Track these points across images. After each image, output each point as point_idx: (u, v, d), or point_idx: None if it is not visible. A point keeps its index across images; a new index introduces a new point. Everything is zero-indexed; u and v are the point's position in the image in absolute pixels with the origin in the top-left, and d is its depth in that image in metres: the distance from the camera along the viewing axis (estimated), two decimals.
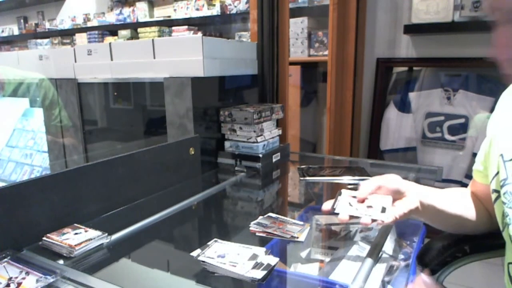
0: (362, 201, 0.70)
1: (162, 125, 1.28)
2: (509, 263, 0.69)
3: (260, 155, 1.29)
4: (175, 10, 3.25)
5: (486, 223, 0.81)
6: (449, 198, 0.81)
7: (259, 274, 0.61)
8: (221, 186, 1.19)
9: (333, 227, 0.87)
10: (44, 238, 0.74)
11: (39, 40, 4.29)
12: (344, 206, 0.68)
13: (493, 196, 0.71)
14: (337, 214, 0.66)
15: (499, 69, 0.63)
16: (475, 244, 0.84)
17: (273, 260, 0.64)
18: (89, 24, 3.85)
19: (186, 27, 3.17)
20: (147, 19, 3.41)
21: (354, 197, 0.71)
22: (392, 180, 0.74)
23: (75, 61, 1.53)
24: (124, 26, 3.56)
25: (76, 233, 0.76)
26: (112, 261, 0.75)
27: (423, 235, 0.91)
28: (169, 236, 0.92)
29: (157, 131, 1.39)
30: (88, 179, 0.87)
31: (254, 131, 1.29)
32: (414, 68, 2.16)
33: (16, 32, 4.62)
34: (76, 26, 3.94)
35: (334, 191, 1.17)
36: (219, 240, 0.72)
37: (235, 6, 2.98)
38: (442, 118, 1.97)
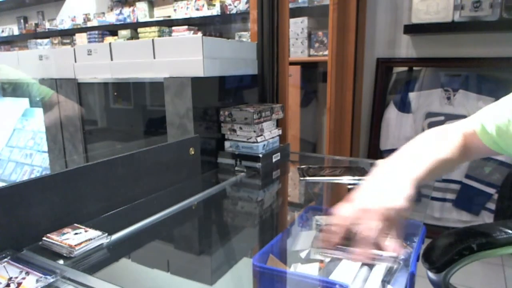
0: None
1: (162, 125, 1.28)
2: None
3: (260, 155, 1.29)
4: (175, 10, 3.25)
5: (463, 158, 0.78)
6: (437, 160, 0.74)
7: None
8: (221, 186, 1.19)
9: (333, 227, 0.87)
10: (44, 238, 0.74)
11: (39, 40, 4.29)
12: None
13: None
14: None
15: None
16: (482, 242, 0.82)
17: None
18: (89, 24, 3.85)
19: (186, 27, 3.17)
20: (147, 19, 3.41)
21: None
22: None
23: (75, 61, 1.52)
24: (124, 26, 3.56)
25: (76, 233, 0.76)
26: (112, 261, 0.75)
27: (423, 235, 0.91)
28: (169, 236, 0.92)
29: (157, 131, 1.39)
30: (88, 179, 0.87)
31: (254, 131, 1.29)
32: (414, 68, 2.17)
33: (16, 32, 4.62)
34: (76, 26, 3.94)
35: (334, 191, 1.18)
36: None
37: (235, 6, 2.98)
38: (442, 118, 1.97)
